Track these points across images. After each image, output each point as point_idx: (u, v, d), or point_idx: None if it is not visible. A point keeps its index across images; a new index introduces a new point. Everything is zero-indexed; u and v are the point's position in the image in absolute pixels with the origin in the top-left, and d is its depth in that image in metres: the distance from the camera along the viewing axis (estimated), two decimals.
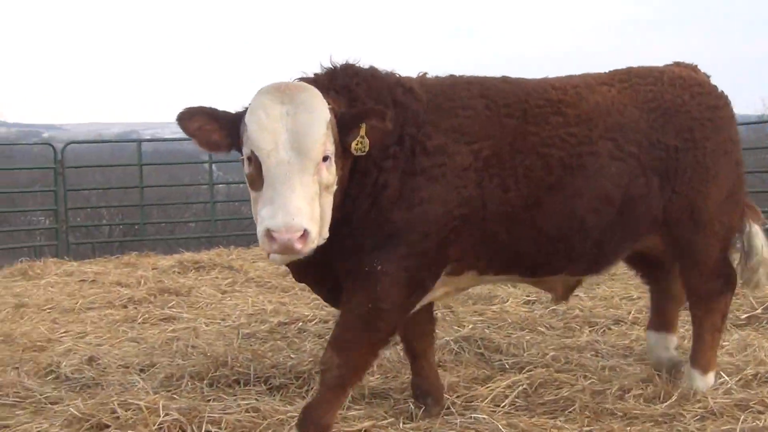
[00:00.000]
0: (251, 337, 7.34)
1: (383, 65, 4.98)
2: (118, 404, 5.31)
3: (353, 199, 4.63)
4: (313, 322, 7.75)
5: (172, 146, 24.80)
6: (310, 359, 6.35)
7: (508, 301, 8.47)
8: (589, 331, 7.35)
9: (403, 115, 4.73)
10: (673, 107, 5.31)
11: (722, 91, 5.58)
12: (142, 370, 6.46)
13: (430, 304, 5.39)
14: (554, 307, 8.09)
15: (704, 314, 5.57)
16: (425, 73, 5.10)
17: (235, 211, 25.49)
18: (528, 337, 7.06)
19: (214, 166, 19.62)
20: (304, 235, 4.10)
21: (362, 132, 4.40)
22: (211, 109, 4.55)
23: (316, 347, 6.80)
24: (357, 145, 4.41)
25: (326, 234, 4.37)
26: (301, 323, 7.76)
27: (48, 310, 9.24)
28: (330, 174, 4.34)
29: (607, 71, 5.50)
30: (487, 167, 4.82)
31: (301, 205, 4.15)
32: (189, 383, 5.98)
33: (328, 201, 4.37)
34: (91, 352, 6.87)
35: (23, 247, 17.75)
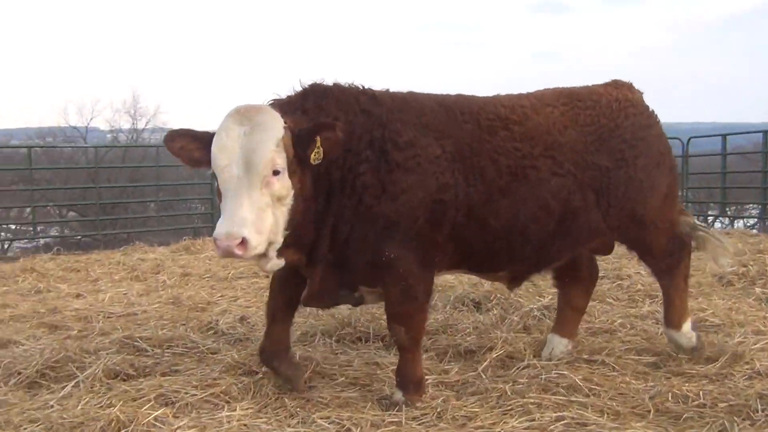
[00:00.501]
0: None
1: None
2: None
3: (341, 205, 4.53)
4: None
5: None
6: None
7: None
8: (650, 302, 7.22)
9: (369, 120, 4.62)
10: (607, 131, 5.15)
11: (652, 110, 5.44)
12: None
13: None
14: (620, 281, 7.97)
15: (668, 282, 5.52)
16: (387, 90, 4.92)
17: None
18: (598, 307, 7.01)
19: None
20: (243, 242, 4.04)
21: (318, 144, 4.28)
22: (192, 130, 4.47)
23: None
24: (314, 156, 4.29)
25: (280, 239, 4.30)
26: None
27: (207, 279, 9.56)
28: (282, 187, 4.24)
29: (553, 90, 5.30)
30: (454, 161, 4.70)
31: (245, 215, 4.08)
32: (320, 339, 6.09)
33: (282, 211, 4.26)
34: (242, 312, 7.05)
35: (186, 228, 18.37)
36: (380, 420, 4.44)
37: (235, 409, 4.57)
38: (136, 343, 5.98)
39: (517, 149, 4.85)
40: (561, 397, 4.71)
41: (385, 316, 6.45)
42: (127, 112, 41.88)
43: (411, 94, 4.90)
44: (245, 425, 4.39)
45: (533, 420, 4.39)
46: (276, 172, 4.20)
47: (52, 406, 4.64)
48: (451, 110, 4.83)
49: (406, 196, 4.55)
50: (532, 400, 4.63)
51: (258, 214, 4.13)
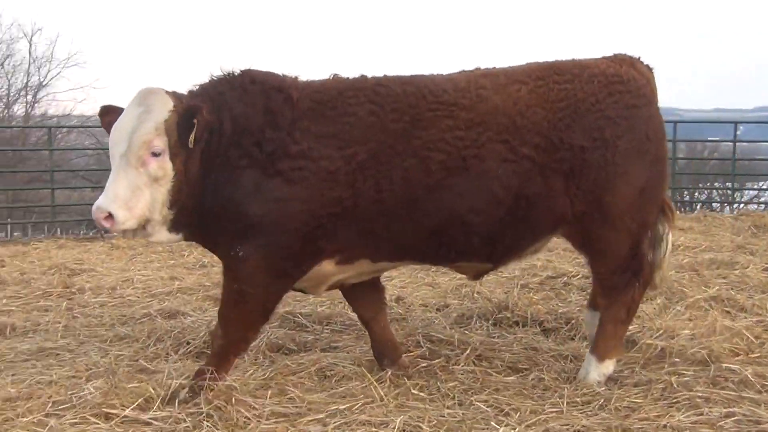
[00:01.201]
0: (525, 288, 7.31)
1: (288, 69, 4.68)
2: (422, 336, 5.49)
3: (213, 192, 4.45)
4: (577, 277, 7.67)
5: None
6: (578, 308, 6.27)
7: (748, 267, 7.95)
8: None
9: (268, 120, 4.46)
10: (583, 106, 4.60)
11: (649, 89, 4.78)
12: (438, 309, 6.59)
13: (375, 278, 5.09)
14: None
15: (609, 305, 4.82)
16: (335, 75, 4.71)
17: None
18: None
19: None
20: (109, 216, 4.22)
21: (195, 128, 4.29)
22: (121, 107, 4.50)
23: (580, 299, 6.73)
24: (190, 139, 4.31)
25: (158, 218, 4.38)
26: (566, 278, 7.72)
27: None
28: (160, 168, 4.30)
29: (534, 64, 4.81)
30: (362, 169, 4.43)
31: (118, 192, 4.24)
32: (477, 322, 6.06)
33: (161, 191, 4.32)
34: (398, 293, 7.08)
35: None
36: (539, 407, 4.38)
37: (391, 388, 4.62)
38: (296, 319, 6.16)
39: (459, 139, 4.48)
40: (731, 392, 4.48)
41: (542, 301, 6.46)
42: None
43: (342, 90, 4.59)
44: (402, 404, 4.42)
45: (701, 414, 4.19)
46: (155, 154, 4.29)
47: None
48: (380, 108, 4.52)
49: (278, 205, 4.41)
50: (699, 394, 4.43)
51: (132, 191, 4.27)
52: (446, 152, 4.46)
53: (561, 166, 4.54)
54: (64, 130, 31.08)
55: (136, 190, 4.29)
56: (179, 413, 4.17)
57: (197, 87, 4.64)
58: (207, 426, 4.09)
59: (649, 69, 4.91)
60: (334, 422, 4.15)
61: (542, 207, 4.58)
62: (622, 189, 4.63)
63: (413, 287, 7.53)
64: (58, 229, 14.17)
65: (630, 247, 4.75)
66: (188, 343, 5.60)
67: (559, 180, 4.55)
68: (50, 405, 4.36)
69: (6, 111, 36.00)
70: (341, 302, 6.75)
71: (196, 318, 6.30)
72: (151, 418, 4.17)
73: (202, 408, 4.20)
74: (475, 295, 6.89)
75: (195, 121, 4.30)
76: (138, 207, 4.31)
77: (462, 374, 4.93)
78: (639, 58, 4.90)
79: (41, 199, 19.62)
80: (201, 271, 8.94)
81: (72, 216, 22.43)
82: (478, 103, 4.54)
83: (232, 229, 4.47)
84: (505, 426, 4.11)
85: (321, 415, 4.25)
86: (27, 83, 37.52)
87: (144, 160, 4.28)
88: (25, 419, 4.18)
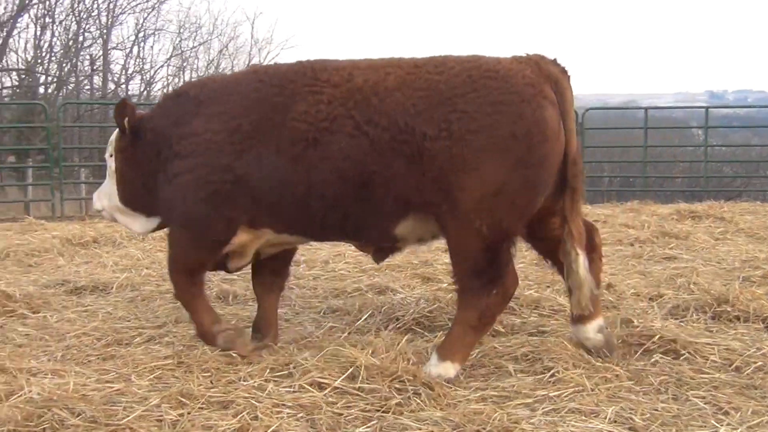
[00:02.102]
0: (746, 281, 6.89)
1: None
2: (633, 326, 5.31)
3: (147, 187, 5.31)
4: None
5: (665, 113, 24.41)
6: None
7: None
8: None
9: (175, 120, 5.14)
10: (438, 97, 4.55)
11: (537, 89, 4.54)
12: (651, 299, 6.35)
13: (281, 261, 5.52)
14: None
15: (460, 305, 4.72)
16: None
17: (717, 170, 24.86)
18: None
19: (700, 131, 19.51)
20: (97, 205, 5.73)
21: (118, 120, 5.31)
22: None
23: None
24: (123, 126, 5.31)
25: (114, 207, 5.57)
26: None
27: None
28: (109, 167, 5.53)
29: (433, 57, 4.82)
30: (247, 139, 4.86)
31: (102, 185, 5.72)
32: (694, 314, 5.77)
33: (113, 187, 5.49)
34: (609, 279, 6.87)
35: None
36: (764, 408, 4.11)
37: (601, 378, 4.51)
38: None
39: (319, 112, 4.72)
40: None
41: (766, 296, 6.07)
42: None
43: (239, 77, 5.32)
44: (613, 395, 4.30)
45: None
46: (111, 155, 5.47)
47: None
48: (265, 85, 4.96)
49: (177, 179, 5.01)
50: None
51: (107, 185, 5.59)
52: (307, 123, 4.74)
53: (402, 148, 4.57)
54: None
55: (107, 185, 5.57)
56: (388, 388, 4.27)
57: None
58: (416, 402, 4.16)
59: (563, 71, 4.75)
60: (543, 408, 4.10)
61: (385, 187, 4.64)
62: (471, 186, 4.50)
63: (624, 275, 7.29)
64: None
65: (482, 250, 4.57)
66: (397, 319, 5.73)
67: (401, 163, 4.58)
68: (268, 371, 4.60)
69: None
70: (549, 286, 6.67)
71: (405, 295, 6.41)
72: (359, 389, 4.29)
73: (413, 385, 4.29)
74: (691, 286, 6.57)
75: (115, 115, 5.31)
76: (105, 198, 5.60)
77: (674, 367, 4.72)
78: (555, 59, 4.79)
79: None
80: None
81: None
82: (346, 82, 4.76)
83: (166, 214, 5.29)
84: (726, 426, 3.90)
85: (529, 400, 4.22)
86: (248, 64, 39.73)
87: (107, 160, 5.53)
88: (245, 383, 4.44)
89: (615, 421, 3.95)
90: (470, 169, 4.49)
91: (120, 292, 6.99)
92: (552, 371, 4.59)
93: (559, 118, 4.61)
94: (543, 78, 4.64)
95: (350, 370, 4.43)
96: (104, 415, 3.94)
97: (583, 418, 3.99)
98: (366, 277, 7.31)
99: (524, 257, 7.24)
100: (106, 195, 5.56)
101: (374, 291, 6.68)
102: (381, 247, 5.18)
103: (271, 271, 5.52)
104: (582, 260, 4.69)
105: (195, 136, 4.98)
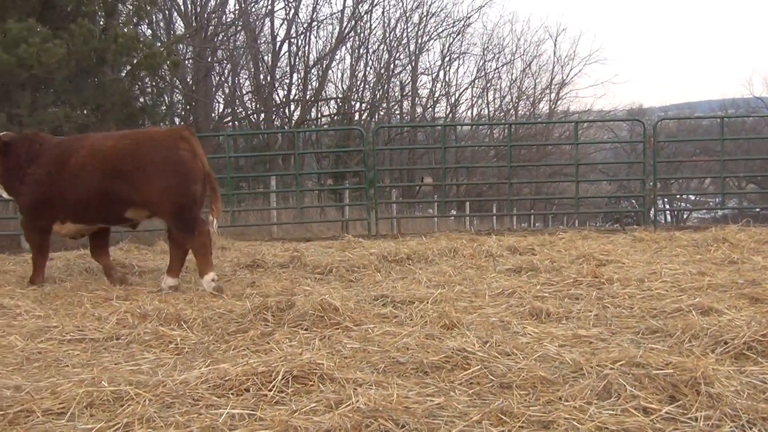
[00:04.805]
0: None
1: None
2: None
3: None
4: None
5: None
6: None
7: None
8: None
9: (26, 153, 8.66)
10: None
11: (160, 144, 8.28)
12: None
13: (103, 240, 9.10)
14: None
15: (171, 243, 8.49)
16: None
17: None
18: None
19: None
20: None
21: None
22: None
23: None
24: None
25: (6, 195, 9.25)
26: None
27: None
28: None
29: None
30: (50, 177, 8.46)
31: None
32: None
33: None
34: None
35: None
36: None
37: None
38: None
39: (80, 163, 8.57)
40: None
41: None
42: None
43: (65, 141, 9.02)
44: None
45: None
46: None
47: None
48: (60, 147, 8.67)
49: (23, 194, 8.64)
50: None
51: None
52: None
53: (119, 175, 8.42)
54: (585, 125, 32.12)
55: None
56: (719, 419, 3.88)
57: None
58: None
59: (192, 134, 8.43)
60: None
61: (113, 196, 8.48)
62: (153, 191, 8.28)
63: None
64: (576, 221, 14.67)
65: (171, 213, 8.36)
66: (726, 343, 5.22)
67: (121, 183, 8.39)
68: (589, 391, 4.39)
69: (532, 109, 38.40)
70: None
71: (733, 317, 5.88)
72: (691, 418, 3.95)
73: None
74: None
75: None
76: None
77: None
78: (188, 125, 8.98)
79: (561, 192, 20.49)
80: (731, 267, 8.42)
81: (589, 208, 23.01)
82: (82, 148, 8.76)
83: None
84: None
85: None
86: (551, 81, 39.58)
87: None
88: (567, 403, 4.24)
89: None
90: (152, 181, 8.46)
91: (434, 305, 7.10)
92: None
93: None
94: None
95: (677, 396, 4.12)
96: (427, 428, 3.95)
97: None
98: (686, 297, 6.82)
99: None
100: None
101: (697, 311, 6.20)
102: None
103: (98, 244, 9.07)
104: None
105: (29, 175, 8.58)
